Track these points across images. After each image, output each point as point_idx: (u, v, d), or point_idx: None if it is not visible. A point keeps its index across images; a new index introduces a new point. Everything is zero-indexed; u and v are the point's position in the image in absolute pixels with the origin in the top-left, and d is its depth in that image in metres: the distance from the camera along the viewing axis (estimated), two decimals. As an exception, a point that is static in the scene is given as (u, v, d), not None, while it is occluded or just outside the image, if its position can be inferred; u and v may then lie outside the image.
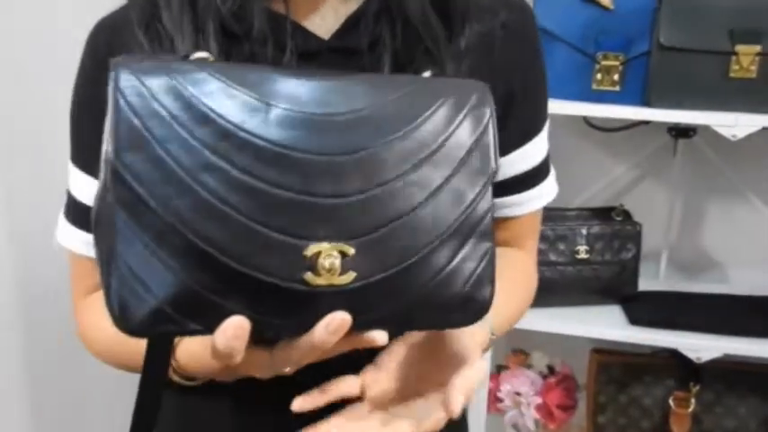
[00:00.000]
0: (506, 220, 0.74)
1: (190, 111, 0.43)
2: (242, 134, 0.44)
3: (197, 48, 0.57)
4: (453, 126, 0.49)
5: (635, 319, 1.37)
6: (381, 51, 0.61)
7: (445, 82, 0.53)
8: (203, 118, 0.43)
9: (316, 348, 0.45)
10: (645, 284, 1.47)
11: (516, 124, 0.70)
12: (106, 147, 0.43)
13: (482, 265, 0.50)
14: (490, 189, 0.50)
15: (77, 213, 0.70)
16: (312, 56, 0.61)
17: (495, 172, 0.50)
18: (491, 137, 0.50)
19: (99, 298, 0.48)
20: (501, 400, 1.49)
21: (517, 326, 1.39)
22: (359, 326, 0.46)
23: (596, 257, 1.41)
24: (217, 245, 0.43)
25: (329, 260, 0.44)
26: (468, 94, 0.50)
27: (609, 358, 1.47)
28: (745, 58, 1.23)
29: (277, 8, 0.61)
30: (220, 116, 0.43)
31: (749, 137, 1.23)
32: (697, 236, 1.60)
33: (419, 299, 0.48)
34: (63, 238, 0.72)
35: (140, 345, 0.50)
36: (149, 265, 0.42)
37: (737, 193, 1.55)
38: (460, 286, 0.49)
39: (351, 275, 0.45)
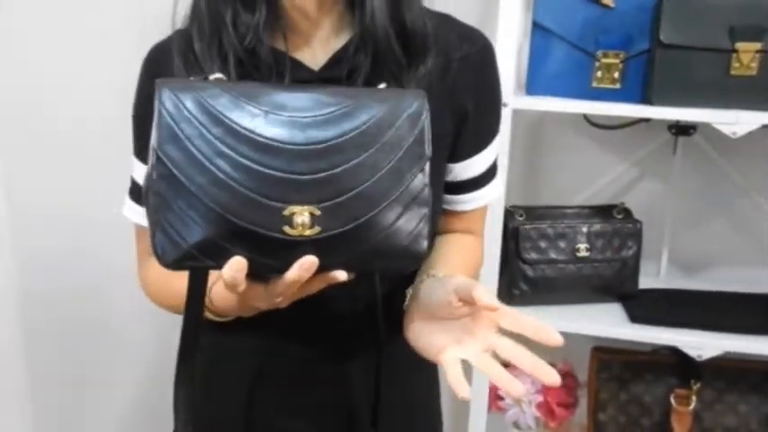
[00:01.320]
0: (462, 213, 0.93)
1: (208, 116, 0.64)
2: (244, 131, 0.64)
3: (221, 72, 0.76)
4: (398, 123, 0.67)
5: (635, 317, 1.37)
6: (357, 78, 0.79)
7: (394, 91, 0.72)
8: (217, 121, 0.64)
9: (295, 281, 0.64)
10: (645, 282, 1.47)
11: (469, 138, 0.88)
12: (152, 140, 0.63)
13: (420, 225, 0.68)
14: (426, 169, 0.68)
15: (138, 193, 0.86)
16: (304, 83, 0.79)
17: (429, 157, 0.68)
18: (426, 131, 0.68)
19: (153, 258, 0.69)
20: (502, 399, 1.49)
21: (518, 324, 1.39)
22: (325, 267, 0.64)
23: (597, 255, 1.41)
24: (225, 207, 0.62)
25: (301, 218, 0.63)
26: (409, 100, 0.69)
27: (609, 356, 1.48)
28: (746, 56, 1.23)
29: (279, 46, 0.80)
30: (229, 119, 0.64)
31: (750, 134, 1.23)
32: (697, 233, 1.60)
33: (371, 249, 0.66)
34: (129, 213, 0.92)
35: (181, 287, 0.69)
36: (181, 221, 0.63)
37: (738, 191, 1.55)
38: (403, 239, 0.67)
39: (317, 229, 0.64)
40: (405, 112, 0.68)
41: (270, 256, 0.64)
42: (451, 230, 0.96)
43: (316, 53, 0.82)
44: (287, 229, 0.63)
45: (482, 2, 1.49)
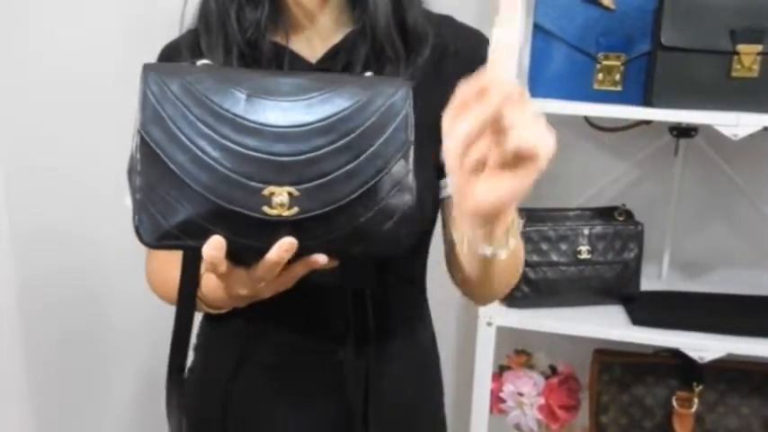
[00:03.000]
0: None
1: (192, 98, 0.65)
2: (226, 113, 0.65)
3: (224, 64, 0.79)
4: (381, 109, 0.67)
5: (637, 319, 1.37)
6: (353, 71, 0.80)
7: (378, 78, 0.73)
8: (200, 102, 0.65)
9: (275, 263, 0.65)
10: (647, 284, 1.47)
11: None
12: (136, 121, 0.64)
13: (402, 211, 0.68)
14: (410, 156, 0.68)
15: None
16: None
17: (411, 143, 0.68)
18: (408, 118, 0.68)
19: (155, 251, 0.77)
20: (503, 401, 1.49)
21: (519, 326, 1.39)
22: (305, 250, 0.65)
23: (598, 257, 1.41)
24: (206, 187, 0.63)
25: (280, 198, 0.64)
26: (393, 86, 0.69)
27: (611, 358, 1.47)
28: (747, 58, 1.23)
29: (279, 40, 0.83)
30: (212, 101, 0.65)
31: (751, 136, 1.23)
32: (699, 235, 1.59)
33: (351, 232, 0.66)
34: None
35: (177, 277, 0.73)
36: (163, 200, 0.64)
37: (739, 193, 1.55)
38: (384, 225, 0.67)
39: (295, 210, 0.64)
40: (388, 98, 0.68)
41: (250, 237, 0.64)
42: None
43: (315, 47, 0.84)
44: (266, 208, 0.64)
45: (482, 4, 1.49)
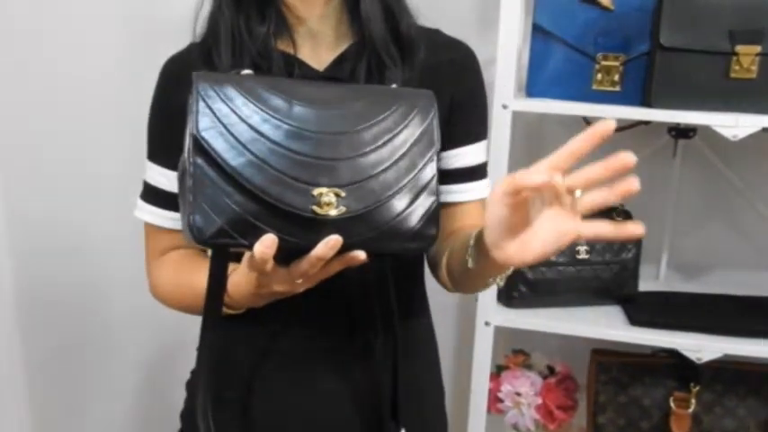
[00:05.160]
0: (461, 208, 0.96)
1: (245, 105, 0.71)
2: (276, 120, 0.71)
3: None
4: (409, 118, 0.76)
5: (635, 320, 1.37)
6: (357, 77, 0.87)
7: (406, 90, 0.80)
8: (253, 110, 0.71)
9: (320, 259, 0.69)
10: (645, 285, 1.47)
11: (460, 127, 0.94)
12: (190, 127, 0.70)
13: (430, 210, 0.75)
14: (435, 160, 0.76)
15: (152, 195, 0.93)
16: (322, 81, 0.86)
17: (438, 149, 0.77)
18: (434, 126, 0.77)
19: (166, 259, 0.86)
20: (501, 401, 1.49)
21: (517, 326, 1.39)
22: (347, 247, 0.70)
23: (596, 258, 1.41)
24: (259, 188, 0.69)
25: (328, 198, 0.70)
26: (419, 98, 0.78)
27: (609, 359, 1.47)
28: (746, 59, 1.23)
29: (288, 49, 0.88)
30: (263, 109, 0.71)
31: (749, 137, 1.23)
32: (697, 236, 1.60)
33: (387, 230, 0.73)
34: (141, 214, 0.95)
35: (197, 283, 0.76)
36: (216, 201, 0.68)
37: (738, 194, 1.55)
38: (416, 223, 0.74)
39: (342, 209, 0.70)
40: (417, 107, 0.76)
41: (297, 235, 0.69)
42: (457, 229, 0.96)
43: (321, 56, 0.89)
44: (315, 208, 0.69)
45: (482, 4, 1.49)
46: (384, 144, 0.73)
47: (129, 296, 1.57)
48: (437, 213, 0.76)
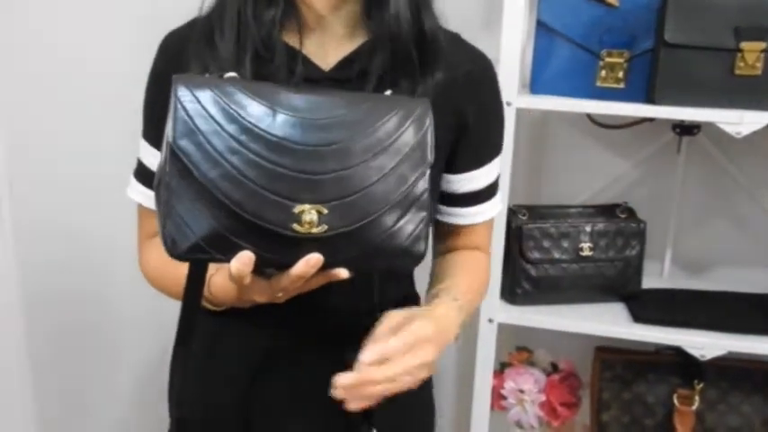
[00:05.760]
0: (464, 228, 0.95)
1: (224, 113, 0.65)
2: (257, 130, 0.65)
3: (237, 61, 0.79)
4: (402, 129, 0.70)
5: (638, 317, 1.37)
6: (367, 81, 0.81)
7: (399, 98, 0.74)
8: (232, 118, 0.65)
9: (300, 277, 0.67)
10: (648, 282, 1.47)
11: (470, 151, 0.90)
12: (167, 133, 0.65)
13: (419, 227, 0.71)
14: (427, 175, 0.71)
15: (145, 175, 0.90)
16: (314, 81, 0.82)
17: (431, 163, 0.71)
18: (429, 138, 0.71)
19: (156, 242, 0.76)
20: (504, 398, 1.49)
21: (521, 323, 1.40)
22: (329, 265, 0.67)
23: (600, 255, 1.41)
24: (236, 202, 0.64)
25: (309, 216, 0.65)
26: (414, 107, 0.71)
27: (612, 356, 1.47)
28: (751, 56, 1.22)
29: (294, 43, 0.83)
30: (243, 117, 0.65)
31: (754, 134, 1.23)
32: (701, 233, 1.59)
33: (374, 248, 0.69)
34: (133, 194, 0.93)
35: (181, 274, 0.71)
36: (192, 214, 0.64)
37: (742, 191, 1.54)
38: (403, 240, 0.70)
39: (324, 227, 0.66)
40: (410, 118, 0.70)
41: (276, 252, 0.66)
42: (458, 246, 0.97)
43: (328, 54, 0.84)
44: (295, 226, 0.65)
45: (487, 1, 1.49)
46: (373, 157, 0.68)
47: (132, 294, 1.57)
48: (427, 230, 0.72)
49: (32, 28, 1.57)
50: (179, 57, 0.82)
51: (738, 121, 1.21)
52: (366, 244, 0.68)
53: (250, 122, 0.65)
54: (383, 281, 0.85)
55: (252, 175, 0.64)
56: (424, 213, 0.71)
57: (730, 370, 1.41)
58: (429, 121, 0.72)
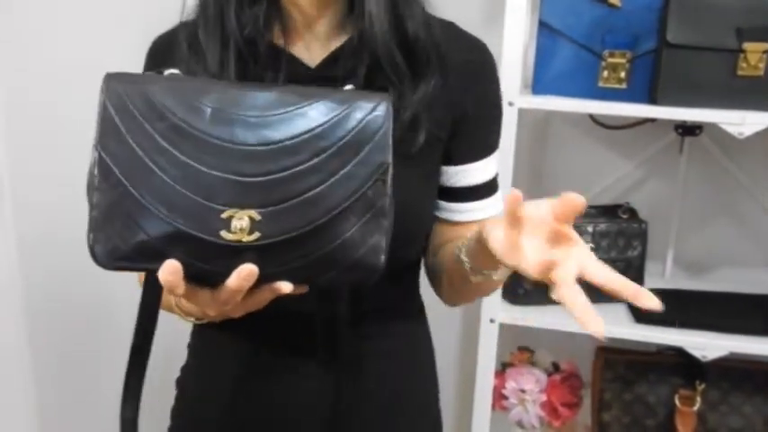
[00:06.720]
0: (466, 225, 0.89)
1: (153, 110, 0.60)
2: (189, 129, 0.60)
3: (221, 62, 0.77)
4: (357, 126, 0.62)
5: (640, 317, 1.37)
6: (354, 80, 0.76)
7: (359, 93, 0.66)
8: (161, 116, 0.60)
9: (236, 290, 0.60)
10: (650, 282, 1.47)
11: (467, 143, 0.87)
12: (95, 134, 0.60)
13: (376, 237, 0.63)
14: (388, 179, 0.63)
15: None
16: (299, 81, 0.75)
17: (389, 165, 0.63)
18: (387, 138, 0.63)
19: None
20: (506, 398, 1.49)
21: (522, 323, 1.39)
22: (268, 277, 0.61)
23: (602, 255, 1.40)
24: (162, 207, 0.59)
25: (239, 222, 0.59)
26: (373, 102, 0.64)
27: (614, 356, 1.47)
28: (753, 56, 1.22)
29: (278, 42, 0.80)
30: (174, 114, 0.60)
31: (756, 135, 1.23)
32: (703, 234, 1.59)
33: (319, 259, 0.61)
34: None
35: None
36: (119, 220, 0.59)
37: (744, 192, 1.54)
38: (358, 252, 0.62)
39: (256, 235, 0.59)
40: (366, 114, 0.63)
41: (209, 262, 0.60)
42: None
43: (313, 51, 0.82)
44: (224, 233, 0.59)
45: (488, 1, 1.49)
46: (319, 158, 0.61)
47: (132, 301, 1.57)
48: (386, 240, 0.64)
49: (32, 28, 1.57)
50: (167, 61, 0.79)
51: (741, 122, 1.21)
52: (311, 254, 0.61)
53: (182, 120, 0.60)
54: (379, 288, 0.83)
55: (179, 177, 0.59)
56: (384, 222, 0.63)
57: (732, 371, 1.41)
58: (388, 119, 0.64)
